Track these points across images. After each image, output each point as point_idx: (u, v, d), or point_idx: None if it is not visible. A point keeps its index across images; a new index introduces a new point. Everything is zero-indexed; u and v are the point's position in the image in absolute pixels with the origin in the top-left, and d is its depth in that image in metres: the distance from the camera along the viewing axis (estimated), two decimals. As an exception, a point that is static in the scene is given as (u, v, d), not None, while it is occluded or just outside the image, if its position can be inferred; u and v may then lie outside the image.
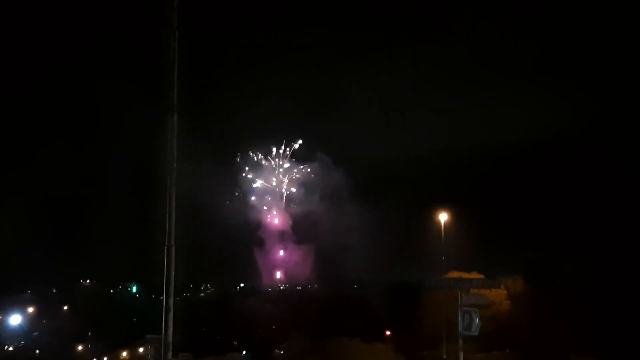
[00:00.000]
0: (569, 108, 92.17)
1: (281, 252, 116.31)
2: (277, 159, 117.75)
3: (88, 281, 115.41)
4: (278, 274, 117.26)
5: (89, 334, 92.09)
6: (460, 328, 23.65)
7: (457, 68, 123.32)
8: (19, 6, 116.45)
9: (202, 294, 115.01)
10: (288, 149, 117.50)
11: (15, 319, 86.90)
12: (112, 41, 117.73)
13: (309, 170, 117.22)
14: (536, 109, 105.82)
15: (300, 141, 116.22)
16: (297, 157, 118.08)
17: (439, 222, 56.11)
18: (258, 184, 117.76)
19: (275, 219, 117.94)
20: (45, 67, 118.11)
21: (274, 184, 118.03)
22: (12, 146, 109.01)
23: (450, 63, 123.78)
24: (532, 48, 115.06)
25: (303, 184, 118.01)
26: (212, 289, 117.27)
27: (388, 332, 72.00)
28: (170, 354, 16.00)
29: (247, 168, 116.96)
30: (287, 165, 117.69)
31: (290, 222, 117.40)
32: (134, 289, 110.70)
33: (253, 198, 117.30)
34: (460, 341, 24.68)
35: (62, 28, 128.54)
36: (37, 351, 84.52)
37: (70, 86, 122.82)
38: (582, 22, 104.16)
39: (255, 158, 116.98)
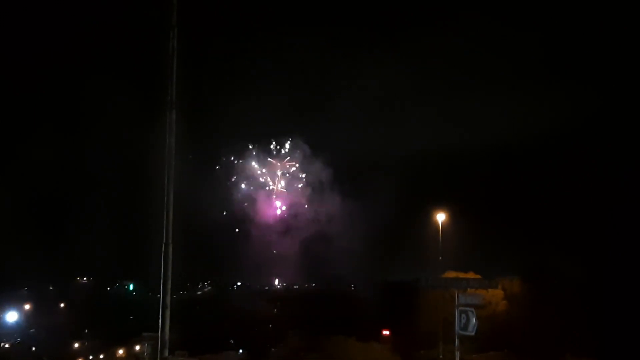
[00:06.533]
0: (567, 108, 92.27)
1: (277, 244, 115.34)
2: (265, 155, 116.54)
3: (85, 278, 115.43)
4: (272, 272, 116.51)
5: (86, 331, 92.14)
6: (457, 328, 23.62)
7: (457, 65, 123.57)
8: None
9: (198, 292, 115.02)
10: (278, 146, 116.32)
11: (11, 316, 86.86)
12: (108, 37, 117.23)
13: (297, 165, 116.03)
14: (534, 108, 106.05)
15: (289, 140, 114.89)
16: (287, 152, 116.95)
17: (436, 222, 56.16)
18: (245, 179, 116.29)
19: (265, 213, 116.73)
20: (36, 61, 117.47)
21: (262, 179, 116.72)
22: (5, 142, 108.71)
23: (449, 60, 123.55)
24: (533, 45, 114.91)
25: (292, 178, 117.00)
26: (209, 287, 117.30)
27: (385, 332, 71.97)
28: (167, 352, 16.01)
29: (232, 159, 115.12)
30: (276, 160, 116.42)
31: (281, 217, 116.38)
32: (131, 287, 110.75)
33: (240, 192, 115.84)
34: (457, 341, 24.63)
35: (57, 23, 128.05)
36: (33, 348, 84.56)
37: (62, 82, 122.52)
38: (584, 18, 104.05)
39: (239, 158, 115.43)
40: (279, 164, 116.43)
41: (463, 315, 23.30)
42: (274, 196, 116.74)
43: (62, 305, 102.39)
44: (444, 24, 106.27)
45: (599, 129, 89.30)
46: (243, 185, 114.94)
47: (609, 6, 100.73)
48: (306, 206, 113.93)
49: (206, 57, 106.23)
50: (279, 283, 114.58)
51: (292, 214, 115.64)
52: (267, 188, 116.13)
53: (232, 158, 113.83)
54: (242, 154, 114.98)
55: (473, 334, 23.29)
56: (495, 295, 61.16)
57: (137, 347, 77.30)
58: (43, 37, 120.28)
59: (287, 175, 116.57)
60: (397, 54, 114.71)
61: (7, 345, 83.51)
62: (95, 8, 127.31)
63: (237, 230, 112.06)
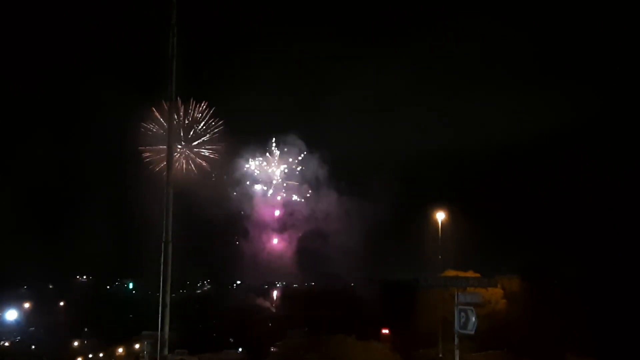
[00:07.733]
0: (567, 108, 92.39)
1: (275, 241, 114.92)
2: (262, 153, 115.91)
3: (84, 277, 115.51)
4: (270, 270, 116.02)
5: (85, 329, 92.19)
6: (456, 327, 23.62)
7: (456, 64, 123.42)
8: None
9: (198, 291, 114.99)
10: (275, 143, 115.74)
11: (11, 315, 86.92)
12: (108, 37, 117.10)
13: (294, 162, 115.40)
14: (534, 108, 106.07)
15: (287, 137, 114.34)
16: (285, 150, 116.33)
17: (435, 221, 56.18)
18: (242, 177, 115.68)
19: (262, 211, 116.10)
20: (36, 61, 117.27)
21: (259, 177, 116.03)
22: (4, 141, 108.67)
23: (449, 59, 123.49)
24: (532, 45, 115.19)
25: (289, 176, 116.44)
26: (208, 286, 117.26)
27: (384, 330, 71.99)
28: (166, 350, 16.04)
29: (230, 157, 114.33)
30: (275, 159, 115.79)
31: (281, 216, 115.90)
32: (131, 285, 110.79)
33: (238, 190, 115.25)
34: (457, 340, 24.64)
35: (57, 23, 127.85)
36: (33, 346, 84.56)
37: (62, 81, 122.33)
38: (584, 18, 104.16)
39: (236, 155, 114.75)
40: (276, 162, 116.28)
41: (462, 314, 23.30)
42: (271, 194, 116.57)
43: (61, 303, 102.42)
44: (443, 25, 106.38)
45: (599, 129, 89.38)
46: (240, 184, 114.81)
47: (608, 6, 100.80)
48: (303, 210, 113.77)
49: (204, 56, 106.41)
50: (278, 282, 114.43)
51: (289, 211, 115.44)
52: (264, 186, 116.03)
53: (229, 156, 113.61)
54: (240, 151, 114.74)
55: (472, 332, 23.28)
56: (494, 294, 61.13)
57: (137, 346, 77.31)
58: (43, 37, 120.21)
59: (284, 172, 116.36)
60: (397, 54, 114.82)
61: (6, 344, 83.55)
62: (95, 8, 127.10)
63: (235, 228, 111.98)
